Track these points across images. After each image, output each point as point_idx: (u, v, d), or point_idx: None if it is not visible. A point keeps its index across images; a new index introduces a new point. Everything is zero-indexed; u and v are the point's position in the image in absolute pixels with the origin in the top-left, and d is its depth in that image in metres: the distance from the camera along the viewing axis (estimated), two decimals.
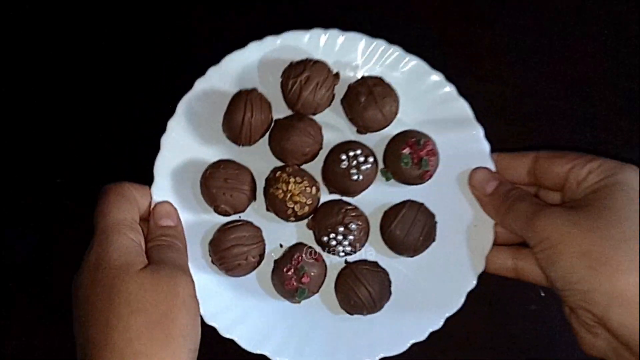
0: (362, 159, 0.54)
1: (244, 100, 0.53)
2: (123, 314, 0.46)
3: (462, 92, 0.65)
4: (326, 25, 0.60)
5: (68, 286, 0.53)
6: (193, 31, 0.66)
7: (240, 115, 0.53)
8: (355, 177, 0.54)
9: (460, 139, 0.57)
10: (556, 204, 0.54)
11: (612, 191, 0.49)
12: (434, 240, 0.56)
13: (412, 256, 0.56)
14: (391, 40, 0.63)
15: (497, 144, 0.63)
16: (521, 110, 0.67)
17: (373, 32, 0.64)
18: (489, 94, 0.67)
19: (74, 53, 0.67)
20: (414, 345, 0.59)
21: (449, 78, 0.64)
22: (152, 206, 0.55)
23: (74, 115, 0.66)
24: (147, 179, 0.56)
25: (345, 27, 0.62)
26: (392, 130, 0.57)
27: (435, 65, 0.65)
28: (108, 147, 0.65)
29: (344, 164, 0.54)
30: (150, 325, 0.46)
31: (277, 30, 0.58)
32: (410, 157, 0.55)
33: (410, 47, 0.64)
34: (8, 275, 0.64)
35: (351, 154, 0.54)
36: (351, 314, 0.55)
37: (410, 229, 0.54)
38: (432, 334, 0.59)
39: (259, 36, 0.57)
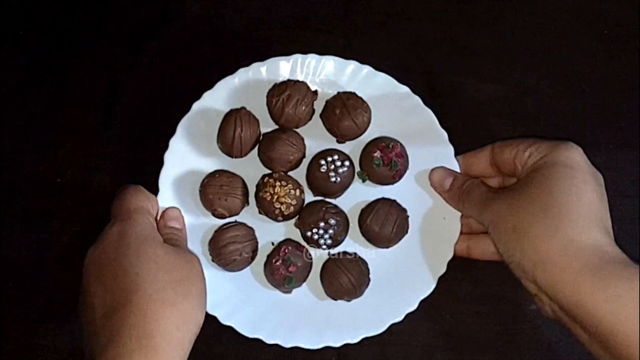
0: (339, 163, 0.61)
1: (234, 118, 0.60)
2: (152, 269, 0.52)
3: (462, 92, 0.69)
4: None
5: (68, 286, 0.56)
6: (191, 61, 0.70)
7: (231, 130, 0.60)
8: (333, 180, 0.61)
9: (428, 143, 0.63)
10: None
11: (541, 170, 0.54)
12: (406, 232, 0.62)
13: (387, 247, 0.62)
14: (392, 40, 0.69)
15: None
16: (521, 110, 0.69)
17: (374, 32, 0.70)
18: (489, 94, 0.70)
19: (88, 69, 0.70)
20: (414, 345, 0.64)
21: (450, 78, 0.69)
22: (161, 211, 0.61)
23: (82, 126, 0.68)
24: (151, 188, 0.60)
25: (344, 37, 0.69)
26: (368, 137, 0.63)
27: (435, 65, 0.70)
28: (114, 160, 0.68)
29: (323, 168, 0.61)
30: (174, 282, 0.52)
31: (262, 57, 0.63)
32: (381, 159, 0.61)
33: (410, 47, 0.69)
34: (8, 275, 0.65)
35: (329, 159, 0.61)
36: (335, 299, 0.61)
37: (384, 223, 0.60)
38: (434, 334, 0.64)
39: (247, 63, 0.63)
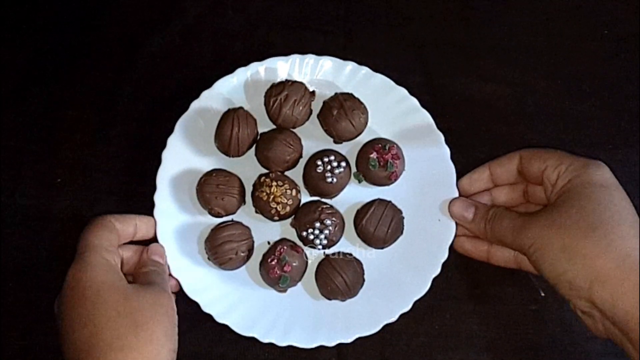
0: (335, 164, 0.61)
1: (232, 117, 0.60)
2: (111, 316, 0.51)
3: (462, 92, 0.69)
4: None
5: None
6: (190, 61, 0.70)
7: (229, 130, 0.60)
8: (329, 180, 0.61)
9: (424, 145, 0.63)
10: (538, 204, 0.61)
11: (576, 190, 0.55)
12: (401, 233, 0.62)
13: (382, 248, 0.62)
14: (392, 40, 0.69)
15: (497, 144, 0.66)
16: (521, 110, 0.69)
17: (374, 32, 0.70)
18: (489, 94, 0.70)
19: (88, 69, 0.70)
20: (414, 345, 0.63)
21: (450, 78, 0.69)
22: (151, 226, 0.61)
23: (82, 126, 0.68)
24: (150, 188, 0.61)
25: (344, 37, 0.69)
26: (364, 139, 0.63)
27: (435, 65, 0.69)
28: (114, 160, 0.67)
29: (320, 169, 0.61)
30: (136, 326, 0.51)
31: (262, 57, 0.64)
32: (377, 160, 0.61)
33: (410, 47, 0.69)
34: (8, 275, 0.64)
35: (326, 159, 0.61)
36: (330, 299, 0.61)
37: (379, 224, 0.60)
38: (434, 334, 0.63)
39: (247, 63, 0.63)
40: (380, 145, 0.62)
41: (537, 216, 0.56)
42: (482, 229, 0.60)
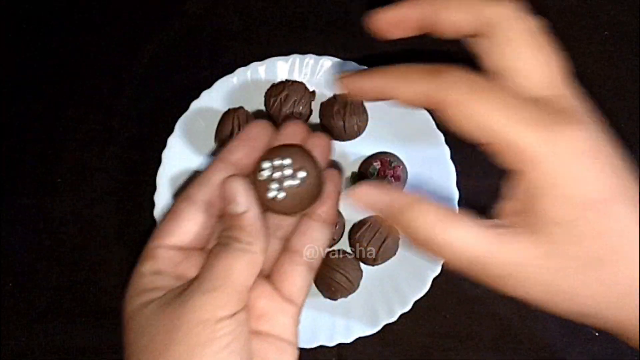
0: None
1: (232, 117, 0.60)
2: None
3: None
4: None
5: (68, 286, 0.57)
6: (190, 61, 0.70)
7: (229, 130, 0.60)
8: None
9: (424, 145, 0.63)
10: None
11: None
12: (394, 254, 0.61)
13: (372, 266, 0.62)
14: (392, 39, 0.68)
15: None
16: None
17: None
18: None
19: (88, 69, 0.70)
20: (414, 345, 0.63)
21: None
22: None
23: (83, 126, 0.68)
24: (150, 188, 0.61)
25: (344, 37, 0.69)
26: (365, 139, 0.64)
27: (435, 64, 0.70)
28: (114, 160, 0.67)
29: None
30: (154, 351, 0.38)
31: (262, 57, 0.64)
32: (378, 170, 0.61)
33: (409, 47, 0.68)
34: (8, 275, 0.64)
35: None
36: (335, 299, 0.60)
37: (368, 244, 0.60)
38: (434, 334, 0.63)
39: (246, 63, 0.64)
40: (388, 160, 0.62)
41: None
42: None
